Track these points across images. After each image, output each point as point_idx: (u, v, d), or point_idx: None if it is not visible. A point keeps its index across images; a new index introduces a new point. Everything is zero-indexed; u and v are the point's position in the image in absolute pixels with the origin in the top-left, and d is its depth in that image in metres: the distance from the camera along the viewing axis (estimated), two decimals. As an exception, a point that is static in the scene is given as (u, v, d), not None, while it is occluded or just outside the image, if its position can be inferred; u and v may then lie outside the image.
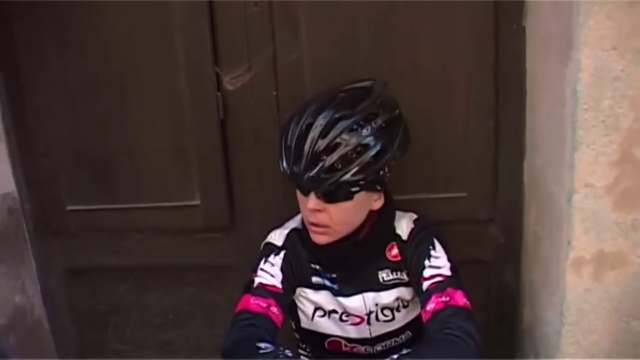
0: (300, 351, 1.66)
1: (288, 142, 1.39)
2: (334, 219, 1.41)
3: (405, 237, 1.50)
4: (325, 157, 1.35)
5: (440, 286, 1.39)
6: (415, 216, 1.54)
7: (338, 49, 1.68)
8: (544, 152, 1.57)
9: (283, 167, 1.41)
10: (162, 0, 1.68)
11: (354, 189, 1.38)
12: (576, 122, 1.32)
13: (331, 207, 1.40)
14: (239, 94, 1.73)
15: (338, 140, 1.35)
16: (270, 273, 1.48)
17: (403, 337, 1.58)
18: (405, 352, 1.30)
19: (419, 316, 1.47)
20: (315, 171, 1.35)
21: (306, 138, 1.36)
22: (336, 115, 1.36)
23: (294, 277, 1.51)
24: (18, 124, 1.84)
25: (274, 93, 1.72)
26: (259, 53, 1.69)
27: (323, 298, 1.54)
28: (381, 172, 1.40)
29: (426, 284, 1.41)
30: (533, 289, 1.71)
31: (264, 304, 1.42)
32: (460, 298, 1.36)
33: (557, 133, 1.43)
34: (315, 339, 1.60)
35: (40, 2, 1.72)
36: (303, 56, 1.69)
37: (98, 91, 1.78)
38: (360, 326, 1.55)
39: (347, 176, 1.35)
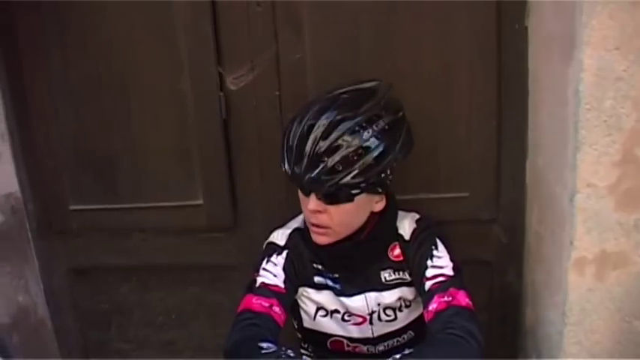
0: (303, 351, 1.66)
1: (290, 143, 1.39)
2: (334, 220, 1.41)
3: (407, 237, 1.50)
4: (326, 158, 1.35)
5: (442, 286, 1.39)
6: (418, 216, 1.54)
7: (340, 49, 1.68)
8: (546, 152, 1.57)
9: (285, 167, 1.41)
10: (165, 0, 1.68)
11: (354, 191, 1.38)
12: (578, 122, 1.32)
13: (332, 208, 1.40)
14: (242, 94, 1.73)
15: (339, 142, 1.34)
16: (273, 273, 1.48)
17: (405, 336, 1.59)
18: (407, 351, 1.30)
19: (421, 316, 1.47)
20: (315, 172, 1.35)
21: (307, 139, 1.36)
22: (339, 117, 1.36)
23: (297, 276, 1.52)
24: (21, 124, 1.84)
25: (277, 93, 1.72)
26: (262, 53, 1.70)
27: (325, 297, 1.54)
28: (383, 175, 1.40)
29: (428, 284, 1.41)
30: (535, 289, 1.71)
31: (267, 304, 1.42)
32: (462, 298, 1.36)
33: (560, 133, 1.43)
34: (318, 339, 1.60)
35: (43, 2, 1.72)
36: (305, 56, 1.69)
37: (101, 91, 1.78)
38: (362, 326, 1.55)
39: (347, 178, 1.35)
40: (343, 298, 1.53)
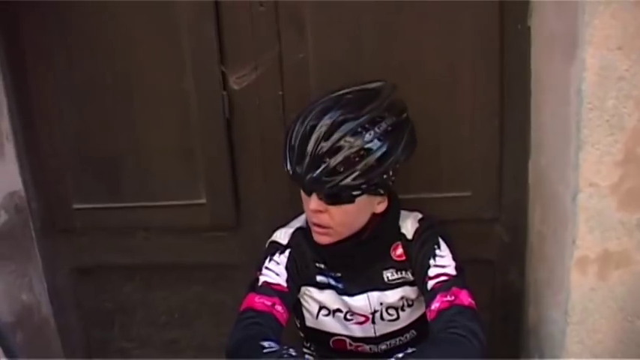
0: (305, 350, 1.66)
1: (292, 142, 1.39)
2: (335, 220, 1.42)
3: (409, 236, 1.50)
4: (328, 159, 1.34)
5: (445, 285, 1.39)
6: (420, 215, 1.54)
7: (343, 49, 1.68)
8: (549, 152, 1.57)
9: (287, 167, 1.41)
10: (169, 0, 1.68)
11: (355, 192, 1.38)
12: (581, 122, 1.32)
13: (333, 208, 1.40)
14: (245, 93, 1.74)
15: (341, 143, 1.34)
16: (275, 271, 1.48)
17: (408, 336, 1.59)
18: (409, 351, 1.30)
19: (423, 315, 1.48)
20: (317, 172, 1.35)
21: (309, 139, 1.36)
22: (341, 117, 1.35)
23: (299, 275, 1.52)
24: (25, 124, 1.85)
25: (280, 93, 1.73)
26: (265, 53, 1.70)
27: (328, 297, 1.54)
28: (385, 176, 1.39)
29: (430, 283, 1.41)
30: (537, 289, 1.71)
31: (269, 303, 1.42)
32: (465, 298, 1.36)
33: (562, 132, 1.43)
34: (320, 338, 1.60)
35: (47, 3, 1.72)
36: (308, 56, 1.69)
37: (105, 90, 1.79)
38: (364, 325, 1.56)
39: (348, 179, 1.35)
40: (346, 298, 1.53)
